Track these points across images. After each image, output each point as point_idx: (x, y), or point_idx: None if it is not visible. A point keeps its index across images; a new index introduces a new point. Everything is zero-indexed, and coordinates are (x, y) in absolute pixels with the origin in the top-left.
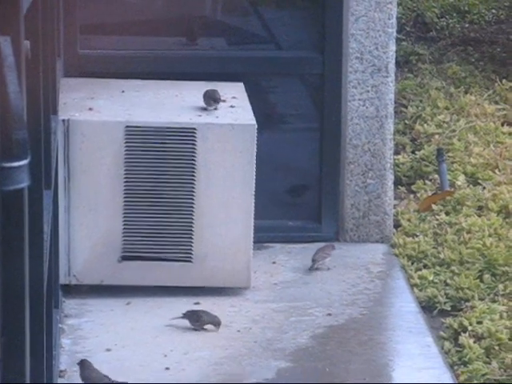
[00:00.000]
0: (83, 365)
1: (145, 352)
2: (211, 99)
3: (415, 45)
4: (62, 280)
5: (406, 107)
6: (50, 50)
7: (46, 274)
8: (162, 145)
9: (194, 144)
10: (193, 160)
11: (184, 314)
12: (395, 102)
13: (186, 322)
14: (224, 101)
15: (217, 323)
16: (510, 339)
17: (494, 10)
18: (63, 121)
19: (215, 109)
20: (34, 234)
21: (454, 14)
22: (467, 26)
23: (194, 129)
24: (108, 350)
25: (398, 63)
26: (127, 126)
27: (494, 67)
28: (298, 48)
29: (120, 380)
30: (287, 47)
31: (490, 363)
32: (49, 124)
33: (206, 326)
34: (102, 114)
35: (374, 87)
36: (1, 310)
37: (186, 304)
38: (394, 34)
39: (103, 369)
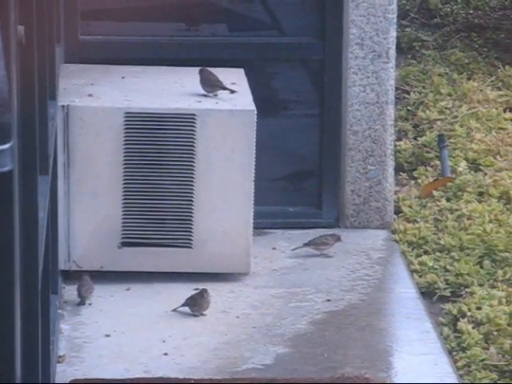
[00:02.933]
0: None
1: (144, 338)
2: (211, 84)
3: (419, 31)
4: (62, 266)
5: (409, 93)
6: (48, 36)
7: (41, 260)
8: (161, 131)
9: (193, 130)
10: (192, 146)
11: (184, 303)
12: (398, 89)
13: (186, 309)
14: (224, 87)
15: (207, 293)
16: (508, 325)
17: None
18: (62, 107)
19: (215, 95)
20: (28, 220)
21: (459, 0)
22: (471, 12)
23: (194, 115)
24: (107, 335)
25: (401, 49)
26: (127, 112)
27: (497, 53)
28: (298, 34)
29: (120, 365)
30: (288, 33)
31: (488, 349)
32: (45, 109)
33: (205, 312)
34: (102, 100)
35: (374, 73)
36: None
37: (186, 290)
38: (395, 19)
39: (102, 354)
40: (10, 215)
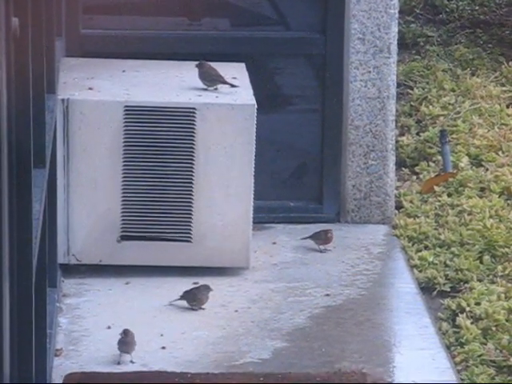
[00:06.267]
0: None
1: (142, 331)
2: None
3: (424, 27)
4: (61, 259)
5: (413, 89)
6: (46, 29)
7: (35, 253)
8: (161, 125)
9: (193, 124)
10: (192, 140)
11: (181, 296)
12: (402, 84)
13: (185, 303)
14: (225, 82)
15: (207, 289)
16: (507, 320)
17: None
18: (62, 100)
19: (215, 89)
20: (22, 212)
21: None
22: (477, 8)
23: (194, 109)
24: (105, 329)
25: (406, 45)
26: (126, 106)
27: (502, 50)
28: (300, 29)
29: (117, 358)
30: (289, 28)
31: (486, 344)
32: (41, 102)
33: (204, 306)
34: (102, 93)
35: (375, 68)
36: None
37: (185, 284)
38: (397, 14)
39: (100, 348)
40: None
